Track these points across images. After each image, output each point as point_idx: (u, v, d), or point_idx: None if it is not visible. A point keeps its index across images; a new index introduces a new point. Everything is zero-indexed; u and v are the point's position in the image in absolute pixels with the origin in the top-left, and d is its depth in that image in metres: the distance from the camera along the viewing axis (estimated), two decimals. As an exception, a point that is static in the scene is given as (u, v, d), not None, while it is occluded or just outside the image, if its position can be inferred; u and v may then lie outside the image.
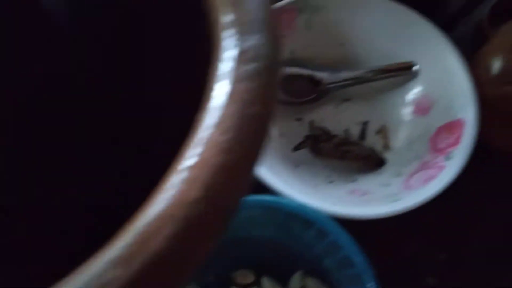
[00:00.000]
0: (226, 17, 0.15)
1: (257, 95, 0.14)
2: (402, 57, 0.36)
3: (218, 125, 0.12)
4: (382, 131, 0.37)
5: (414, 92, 0.36)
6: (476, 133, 0.30)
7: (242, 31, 0.15)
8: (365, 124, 0.37)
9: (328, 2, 0.35)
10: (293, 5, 0.35)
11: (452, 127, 0.32)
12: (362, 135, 0.37)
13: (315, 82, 0.38)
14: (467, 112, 0.31)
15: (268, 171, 0.31)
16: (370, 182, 0.34)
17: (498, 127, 0.33)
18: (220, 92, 0.14)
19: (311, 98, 0.38)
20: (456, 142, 0.31)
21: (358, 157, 0.35)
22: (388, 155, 0.35)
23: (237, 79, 0.14)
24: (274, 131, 0.37)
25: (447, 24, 0.44)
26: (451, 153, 0.31)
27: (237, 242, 0.27)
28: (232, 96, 0.14)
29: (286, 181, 0.31)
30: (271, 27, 0.15)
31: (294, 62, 0.38)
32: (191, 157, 0.11)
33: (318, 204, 0.28)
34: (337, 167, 0.35)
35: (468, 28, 0.44)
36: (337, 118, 0.38)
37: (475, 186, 0.33)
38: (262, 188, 0.29)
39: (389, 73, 0.36)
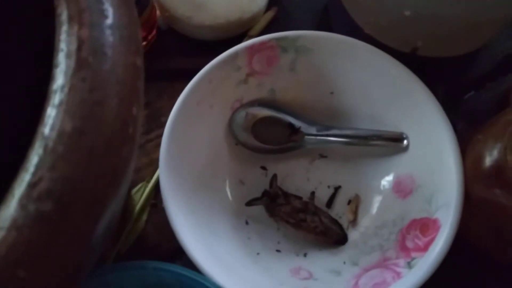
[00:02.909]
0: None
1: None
2: (393, 124, 0.31)
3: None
4: (354, 202, 0.32)
5: (398, 167, 0.30)
6: (449, 245, 0.25)
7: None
8: (337, 189, 0.32)
9: (318, 45, 0.30)
10: (277, 42, 0.30)
11: (426, 226, 0.27)
12: (330, 202, 0.32)
13: (292, 130, 0.33)
14: (447, 216, 0.25)
15: (199, 230, 0.27)
16: (319, 262, 0.29)
17: (481, 231, 0.28)
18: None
19: (283, 147, 0.33)
20: (424, 248, 0.26)
21: (315, 230, 0.30)
22: (351, 233, 0.31)
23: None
24: (233, 176, 0.32)
25: (469, 86, 0.38)
26: (414, 261, 0.25)
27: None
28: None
29: (220, 246, 0.27)
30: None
31: (271, 104, 0.33)
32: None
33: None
34: (289, 235, 0.31)
35: (491, 96, 0.37)
36: (307, 176, 0.33)
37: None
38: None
39: (377, 141, 0.31)
